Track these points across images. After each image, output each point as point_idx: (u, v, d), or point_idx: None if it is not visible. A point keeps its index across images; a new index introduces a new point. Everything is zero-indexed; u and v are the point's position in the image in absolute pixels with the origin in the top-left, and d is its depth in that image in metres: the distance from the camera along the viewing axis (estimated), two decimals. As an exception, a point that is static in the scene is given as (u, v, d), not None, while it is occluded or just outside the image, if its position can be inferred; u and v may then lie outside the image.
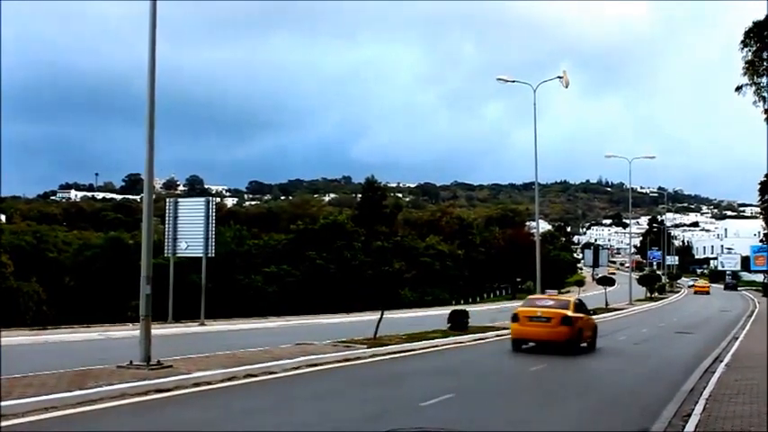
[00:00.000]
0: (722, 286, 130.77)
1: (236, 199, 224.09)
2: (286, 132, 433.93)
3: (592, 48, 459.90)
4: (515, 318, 29.44)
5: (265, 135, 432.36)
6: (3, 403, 13.21)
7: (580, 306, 30.71)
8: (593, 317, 34.98)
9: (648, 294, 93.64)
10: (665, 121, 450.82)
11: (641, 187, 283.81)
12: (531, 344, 29.00)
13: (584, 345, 29.83)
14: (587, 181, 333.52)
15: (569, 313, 28.61)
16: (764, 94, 28.58)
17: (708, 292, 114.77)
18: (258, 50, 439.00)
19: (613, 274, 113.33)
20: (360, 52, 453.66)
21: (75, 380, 16.05)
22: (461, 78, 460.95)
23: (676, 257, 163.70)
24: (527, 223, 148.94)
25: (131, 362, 18.34)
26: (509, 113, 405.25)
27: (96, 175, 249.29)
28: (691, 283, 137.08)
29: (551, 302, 30.72)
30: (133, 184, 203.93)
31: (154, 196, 21.16)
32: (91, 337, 30.99)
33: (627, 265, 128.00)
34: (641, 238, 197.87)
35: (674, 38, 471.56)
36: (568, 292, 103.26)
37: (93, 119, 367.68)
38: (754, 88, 28.74)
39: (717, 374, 22.01)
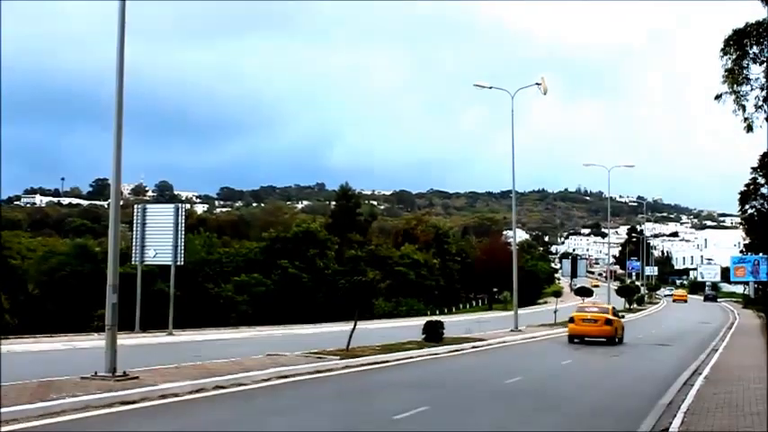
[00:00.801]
0: (702, 297, 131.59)
1: (206, 205, 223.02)
2: (258, 138, 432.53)
3: (571, 55, 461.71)
4: (572, 320, 41.91)
5: (237, 140, 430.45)
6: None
7: (615, 312, 44.18)
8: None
9: (627, 306, 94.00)
10: (644, 129, 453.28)
11: (620, 196, 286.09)
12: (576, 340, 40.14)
13: (618, 338, 41.26)
14: (566, 189, 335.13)
15: (610, 317, 41.22)
16: (744, 103, 28.76)
17: (686, 301, 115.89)
18: (231, 53, 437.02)
19: (596, 286, 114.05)
20: (336, 56, 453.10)
21: (37, 391, 15.92)
22: (440, 85, 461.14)
23: (656, 268, 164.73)
24: (504, 232, 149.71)
25: (96, 373, 18.22)
26: (487, 121, 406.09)
27: (62, 179, 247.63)
28: (668, 292, 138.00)
29: (596, 309, 43.14)
30: (100, 189, 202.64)
31: (121, 202, 21.07)
32: (55, 348, 30.79)
33: (604, 275, 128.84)
34: (620, 248, 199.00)
35: (653, 45, 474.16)
36: (546, 302, 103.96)
37: (59, 122, 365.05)
38: (734, 96, 28.90)
39: (695, 388, 22.10)
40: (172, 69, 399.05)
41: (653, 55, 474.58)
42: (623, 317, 47.70)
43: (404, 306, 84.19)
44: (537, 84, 50.55)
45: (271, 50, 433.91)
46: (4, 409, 13.84)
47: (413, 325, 43.89)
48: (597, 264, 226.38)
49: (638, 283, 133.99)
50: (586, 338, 40.57)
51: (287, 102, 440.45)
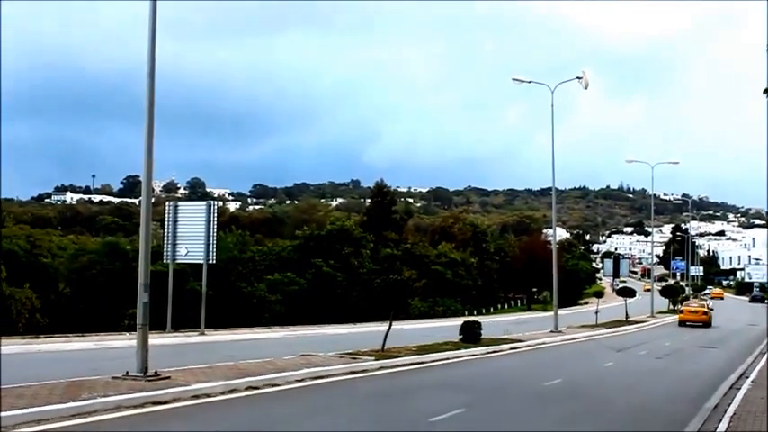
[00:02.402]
0: (747, 298, 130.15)
1: (238, 203, 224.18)
2: (293, 134, 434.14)
3: (616, 49, 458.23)
4: (681, 311, 67.27)
5: (271, 137, 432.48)
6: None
7: (709, 307, 70.71)
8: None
9: (671, 306, 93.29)
10: (689, 124, 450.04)
11: (664, 194, 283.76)
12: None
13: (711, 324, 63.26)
14: (607, 187, 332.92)
15: (706, 310, 66.26)
16: (793, 97, 28.37)
17: (722, 298, 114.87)
18: (267, 49, 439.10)
19: (648, 290, 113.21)
20: (374, 52, 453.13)
21: (68, 391, 16.09)
22: (479, 80, 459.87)
23: (701, 268, 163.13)
24: (544, 231, 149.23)
25: (127, 372, 18.38)
26: (527, 116, 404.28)
27: (93, 177, 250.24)
28: (707, 291, 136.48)
29: (696, 305, 69.88)
30: (131, 186, 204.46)
31: (153, 200, 21.24)
32: (86, 347, 31.07)
33: (638, 272, 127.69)
34: (664, 248, 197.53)
35: (701, 38, 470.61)
36: (587, 303, 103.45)
37: (90, 119, 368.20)
38: (783, 90, 28.55)
39: (742, 391, 21.93)
40: (206, 66, 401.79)
41: (698, 48, 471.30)
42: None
43: (440, 306, 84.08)
44: (578, 78, 50.31)
45: (307, 47, 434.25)
46: (35, 409, 14.03)
47: (449, 325, 43.87)
48: (640, 263, 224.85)
49: (682, 283, 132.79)
50: (688, 323, 62.54)
51: (322, 98, 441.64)
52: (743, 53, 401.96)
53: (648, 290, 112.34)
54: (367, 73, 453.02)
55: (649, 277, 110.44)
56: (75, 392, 15.89)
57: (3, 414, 13.40)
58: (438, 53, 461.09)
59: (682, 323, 62.93)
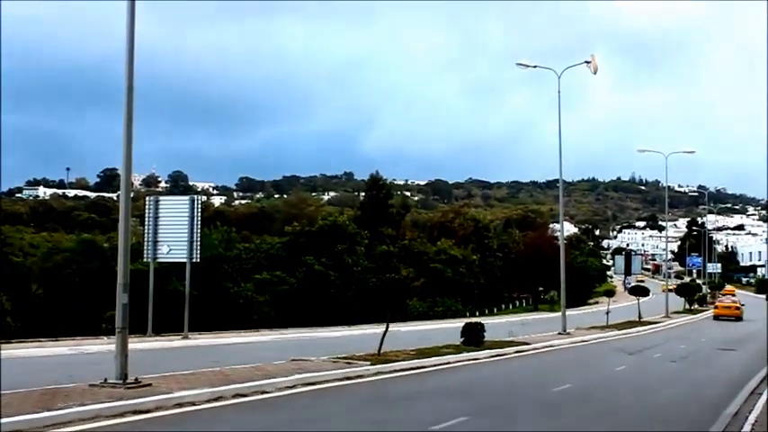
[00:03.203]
0: (765, 296, 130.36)
1: (224, 197, 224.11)
2: (283, 124, 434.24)
3: (630, 32, 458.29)
4: (716, 307, 79.76)
5: (259, 126, 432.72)
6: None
7: (740, 303, 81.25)
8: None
9: (687, 306, 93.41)
10: (707, 112, 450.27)
11: (679, 186, 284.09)
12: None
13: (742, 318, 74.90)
14: (618, 178, 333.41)
15: (738, 305, 77.93)
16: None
17: (733, 295, 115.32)
18: (257, 33, 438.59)
19: (641, 281, 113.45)
20: (372, 36, 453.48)
21: (42, 399, 16.05)
22: (486, 65, 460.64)
23: (719, 265, 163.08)
24: (550, 225, 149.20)
25: (106, 379, 18.35)
26: (534, 104, 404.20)
27: (68, 170, 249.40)
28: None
29: (729, 301, 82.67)
30: (109, 180, 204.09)
31: (132, 194, 21.17)
32: (61, 352, 31.01)
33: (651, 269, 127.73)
34: (679, 243, 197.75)
35: (720, 22, 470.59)
36: (597, 302, 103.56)
37: (65, 107, 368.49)
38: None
39: (764, 397, 21.94)
40: (190, 51, 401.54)
41: (718, 34, 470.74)
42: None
43: (440, 306, 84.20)
44: (586, 62, 50.31)
45: (301, 31, 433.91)
46: (7, 419, 13.97)
47: (450, 327, 43.87)
48: (653, 260, 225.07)
49: (699, 281, 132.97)
50: (722, 318, 75.31)
51: (316, 85, 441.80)
52: (763, 38, 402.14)
53: (642, 281, 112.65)
54: (364, 58, 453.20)
55: (662, 275, 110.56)
56: (49, 401, 15.85)
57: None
58: (441, 36, 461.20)
59: (716, 317, 76.61)
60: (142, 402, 16.57)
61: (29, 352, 30.59)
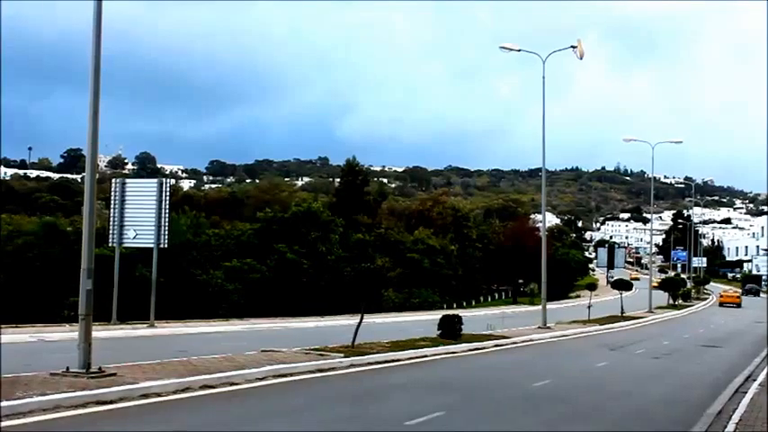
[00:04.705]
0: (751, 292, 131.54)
1: (193, 181, 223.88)
2: (256, 106, 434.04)
3: (620, 19, 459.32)
4: (721, 296, 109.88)
5: (232, 109, 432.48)
6: None
7: (740, 293, 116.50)
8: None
9: (671, 301, 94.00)
10: (695, 102, 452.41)
11: (665, 177, 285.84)
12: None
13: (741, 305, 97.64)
14: (603, 168, 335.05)
15: (739, 295, 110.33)
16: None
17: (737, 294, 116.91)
18: (233, 12, 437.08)
19: (636, 279, 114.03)
20: (353, 18, 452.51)
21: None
22: (470, 50, 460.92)
23: (704, 259, 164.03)
24: (532, 216, 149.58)
25: (68, 368, 18.29)
26: (518, 90, 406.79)
27: (29, 149, 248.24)
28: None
29: (732, 291, 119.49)
30: (73, 161, 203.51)
31: (98, 176, 21.06)
32: (21, 339, 30.90)
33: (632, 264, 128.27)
34: (664, 236, 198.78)
35: (711, 11, 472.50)
36: (578, 296, 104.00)
37: (27, 85, 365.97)
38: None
39: (749, 395, 22.09)
40: (162, 30, 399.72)
41: (708, 23, 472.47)
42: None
43: (417, 298, 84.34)
44: (572, 47, 50.45)
45: (279, 11, 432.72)
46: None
47: (427, 319, 44.02)
48: (637, 253, 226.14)
49: (684, 275, 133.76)
50: (726, 305, 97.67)
51: (292, 68, 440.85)
52: (757, 27, 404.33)
53: (636, 279, 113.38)
54: (344, 40, 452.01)
55: (645, 268, 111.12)
56: (8, 390, 15.76)
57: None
58: (425, 18, 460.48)
59: (722, 305, 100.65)
60: (106, 393, 16.51)
61: (-13, 339, 30.46)
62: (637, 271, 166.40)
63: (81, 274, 18.93)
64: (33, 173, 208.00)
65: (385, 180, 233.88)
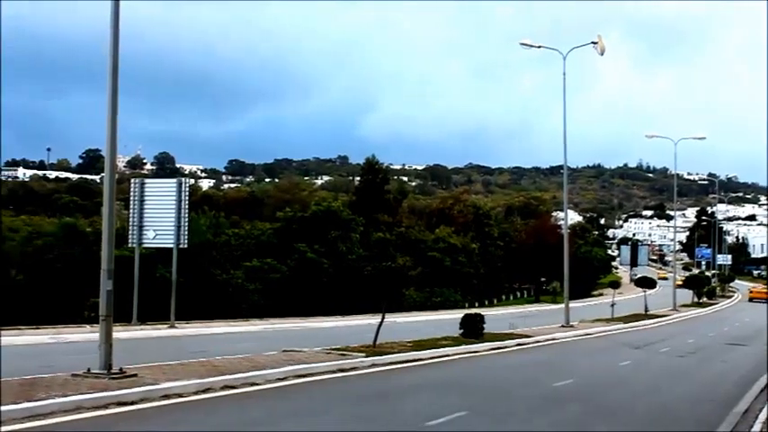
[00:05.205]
0: None
1: (212, 181, 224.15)
2: (275, 105, 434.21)
3: (643, 15, 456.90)
4: (751, 291, 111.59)
5: (251, 108, 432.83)
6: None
7: None
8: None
9: (696, 299, 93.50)
10: (720, 97, 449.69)
11: (688, 173, 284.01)
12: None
13: None
14: (625, 165, 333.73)
15: None
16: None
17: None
18: (252, 9, 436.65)
19: (664, 278, 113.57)
20: (373, 15, 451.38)
21: (22, 390, 16.04)
22: (491, 47, 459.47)
23: (729, 256, 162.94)
24: (553, 214, 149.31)
25: (89, 369, 18.34)
26: (540, 87, 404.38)
27: (48, 150, 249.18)
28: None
29: (761, 287, 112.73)
30: (92, 161, 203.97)
31: (117, 176, 21.13)
32: (41, 341, 31.02)
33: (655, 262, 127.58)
34: (688, 234, 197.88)
35: (735, 6, 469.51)
36: (601, 294, 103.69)
37: (46, 85, 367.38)
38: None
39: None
40: (181, 28, 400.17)
41: (732, 18, 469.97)
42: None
43: (438, 297, 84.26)
44: (593, 43, 50.27)
45: (298, 8, 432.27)
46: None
47: (448, 318, 43.96)
48: (660, 250, 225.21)
49: (708, 273, 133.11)
50: (755, 300, 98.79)
51: (312, 66, 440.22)
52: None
53: (665, 278, 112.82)
54: (364, 37, 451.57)
55: (667, 265, 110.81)
56: (29, 392, 15.84)
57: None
58: (447, 14, 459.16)
59: (751, 300, 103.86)
60: (127, 393, 16.56)
61: (8, 340, 30.48)
62: (661, 268, 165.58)
63: (101, 275, 18.98)
64: (52, 174, 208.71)
65: (405, 178, 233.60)
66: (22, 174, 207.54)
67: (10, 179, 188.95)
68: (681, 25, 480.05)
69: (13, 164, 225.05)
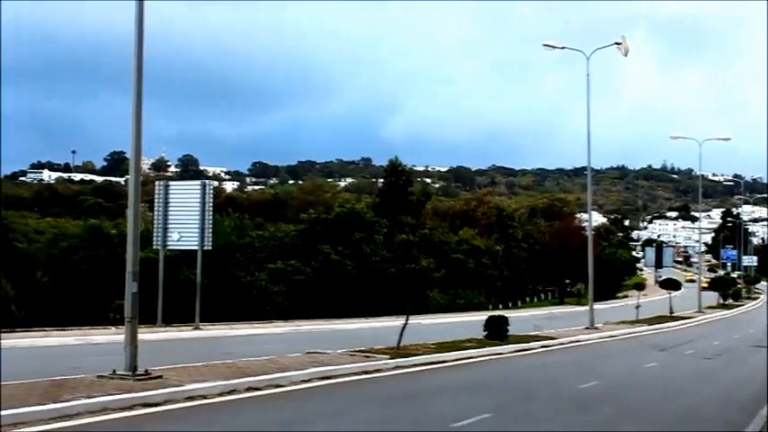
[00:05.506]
0: None
1: (236, 183, 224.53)
2: (298, 107, 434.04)
3: (669, 14, 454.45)
4: None
5: (273, 110, 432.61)
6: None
7: None
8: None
9: (721, 301, 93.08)
10: (745, 99, 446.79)
11: (713, 174, 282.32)
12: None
13: None
14: (649, 166, 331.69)
15: None
16: None
17: None
18: (273, 10, 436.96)
19: (692, 280, 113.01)
20: (396, 14, 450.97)
21: (48, 391, 16.13)
22: (514, 48, 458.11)
23: (755, 258, 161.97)
24: (577, 215, 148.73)
25: (114, 371, 18.43)
26: (563, 88, 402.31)
27: (73, 152, 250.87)
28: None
29: None
30: (116, 163, 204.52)
31: (141, 178, 21.21)
32: (67, 342, 31.21)
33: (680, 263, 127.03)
34: (713, 235, 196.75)
35: (761, 5, 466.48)
36: (626, 296, 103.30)
37: (70, 87, 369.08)
38: None
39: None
40: (203, 30, 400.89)
41: (757, 17, 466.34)
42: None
43: (462, 299, 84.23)
44: (617, 44, 50.18)
45: (319, 9, 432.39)
46: (12, 411, 14.04)
47: (472, 320, 43.90)
48: (686, 252, 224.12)
49: (733, 274, 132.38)
50: None
51: (333, 68, 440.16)
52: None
53: (692, 280, 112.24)
54: (387, 37, 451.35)
55: (691, 266, 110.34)
56: (56, 393, 15.93)
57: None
58: (469, 15, 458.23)
59: None
60: (152, 395, 16.64)
61: (34, 341, 30.80)
62: (685, 270, 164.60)
63: (126, 277, 19.08)
64: (77, 176, 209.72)
65: (428, 180, 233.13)
66: (48, 176, 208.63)
67: (35, 181, 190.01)
68: (706, 24, 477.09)
69: (39, 166, 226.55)
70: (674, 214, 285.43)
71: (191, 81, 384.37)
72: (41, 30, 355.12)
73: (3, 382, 16.66)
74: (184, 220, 42.02)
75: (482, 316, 40.24)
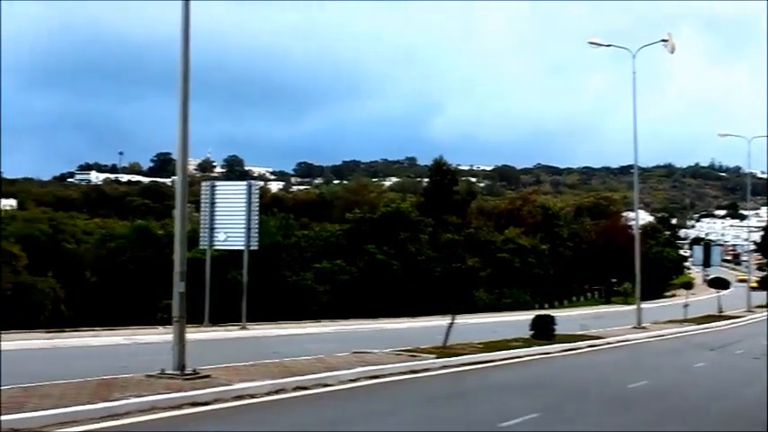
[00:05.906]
0: None
1: (281, 183, 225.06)
2: (343, 107, 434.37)
3: (717, 11, 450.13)
4: None
5: (318, 110, 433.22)
6: (14, 416, 13.46)
7: None
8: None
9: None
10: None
11: (762, 172, 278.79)
12: None
13: None
14: (697, 164, 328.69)
15: None
16: None
17: None
18: (318, 11, 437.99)
19: (744, 280, 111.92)
20: (440, 13, 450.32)
21: (98, 390, 16.28)
22: (561, 45, 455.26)
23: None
24: (624, 214, 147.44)
25: (163, 370, 18.54)
26: (610, 85, 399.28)
27: (120, 154, 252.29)
28: None
29: None
30: (163, 164, 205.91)
31: (188, 179, 21.32)
32: (116, 342, 31.44)
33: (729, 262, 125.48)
34: (762, 233, 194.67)
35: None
36: (673, 295, 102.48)
37: (117, 89, 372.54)
38: None
39: None
40: (248, 32, 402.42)
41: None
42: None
43: (508, 298, 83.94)
44: (663, 41, 49.78)
45: (365, 9, 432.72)
46: (63, 410, 14.21)
47: (519, 320, 43.73)
48: (734, 250, 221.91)
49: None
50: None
51: (378, 68, 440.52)
52: None
53: (744, 280, 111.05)
54: (432, 36, 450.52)
55: (739, 265, 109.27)
56: (105, 392, 16.07)
57: (27, 415, 13.62)
58: (515, 14, 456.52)
59: None
60: (200, 394, 16.73)
61: (83, 341, 31.06)
62: (734, 269, 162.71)
63: (173, 277, 19.18)
64: (124, 177, 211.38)
65: (473, 179, 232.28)
66: (95, 177, 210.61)
67: (84, 182, 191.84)
68: (755, 21, 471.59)
69: (86, 168, 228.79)
70: (722, 212, 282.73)
71: (237, 82, 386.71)
72: (89, 31, 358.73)
73: (56, 382, 16.88)
74: (231, 221, 42.14)
75: (528, 315, 40.09)
